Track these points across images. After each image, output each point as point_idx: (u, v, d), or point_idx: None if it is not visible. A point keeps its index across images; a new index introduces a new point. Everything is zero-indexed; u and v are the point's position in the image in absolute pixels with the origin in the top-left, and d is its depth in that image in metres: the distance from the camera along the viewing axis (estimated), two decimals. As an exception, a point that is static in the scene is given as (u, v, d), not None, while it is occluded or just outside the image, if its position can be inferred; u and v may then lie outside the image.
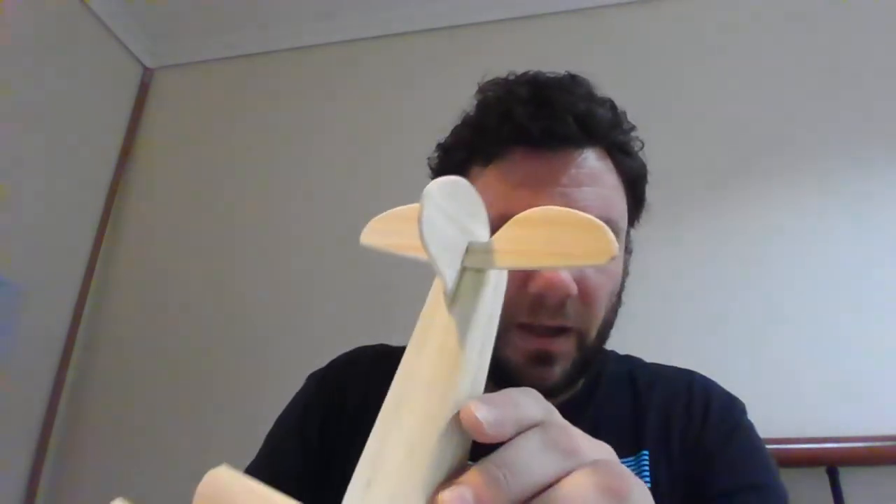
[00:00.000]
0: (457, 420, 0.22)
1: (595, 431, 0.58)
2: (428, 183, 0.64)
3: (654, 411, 0.55)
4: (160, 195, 1.68)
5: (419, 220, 0.22)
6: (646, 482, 0.51)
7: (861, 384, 1.12)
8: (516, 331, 0.51)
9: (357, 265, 1.46)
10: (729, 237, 1.29)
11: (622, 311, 0.57)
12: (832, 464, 1.06)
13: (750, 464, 0.53)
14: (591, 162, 0.52)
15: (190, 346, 1.48)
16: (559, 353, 0.51)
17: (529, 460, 0.21)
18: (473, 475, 0.20)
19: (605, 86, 0.58)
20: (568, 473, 0.22)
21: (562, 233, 0.24)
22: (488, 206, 0.54)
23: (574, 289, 0.49)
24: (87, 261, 1.57)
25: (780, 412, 1.09)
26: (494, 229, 0.55)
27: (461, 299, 0.24)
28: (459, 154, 0.57)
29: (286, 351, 1.40)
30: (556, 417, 0.25)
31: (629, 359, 0.64)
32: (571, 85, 0.55)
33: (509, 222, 0.25)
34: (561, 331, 0.51)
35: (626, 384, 0.58)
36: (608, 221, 0.51)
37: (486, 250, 0.25)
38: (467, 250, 0.25)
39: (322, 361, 0.68)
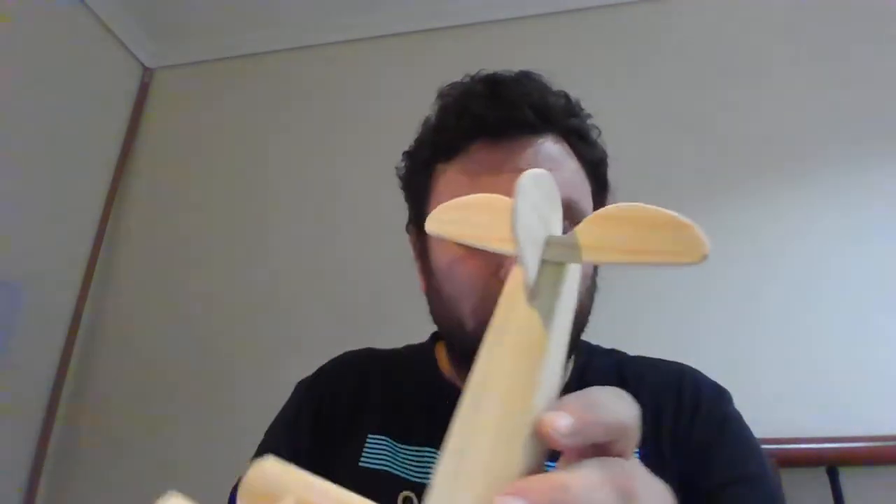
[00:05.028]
0: (528, 427, 0.21)
1: None
2: (399, 191, 0.64)
3: (643, 406, 0.54)
4: (160, 195, 1.68)
5: (513, 212, 0.22)
6: None
7: (861, 384, 1.12)
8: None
9: (360, 265, 1.46)
10: (732, 239, 1.29)
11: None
12: (832, 464, 1.06)
13: (742, 455, 0.53)
14: (550, 147, 0.54)
15: (190, 347, 1.48)
16: None
17: (586, 493, 0.20)
18: (534, 491, 0.19)
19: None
20: None
21: (649, 230, 0.23)
22: (453, 199, 0.54)
23: None
24: (87, 261, 1.57)
25: (780, 412, 1.09)
26: None
27: (541, 293, 0.24)
28: (423, 155, 0.59)
29: (286, 351, 1.40)
30: (635, 424, 0.24)
31: (615, 352, 0.63)
32: (526, 79, 0.57)
33: (589, 218, 0.24)
34: None
35: (613, 378, 0.58)
36: (572, 203, 0.52)
37: (567, 244, 0.24)
38: (546, 243, 0.25)
39: (324, 361, 0.68)
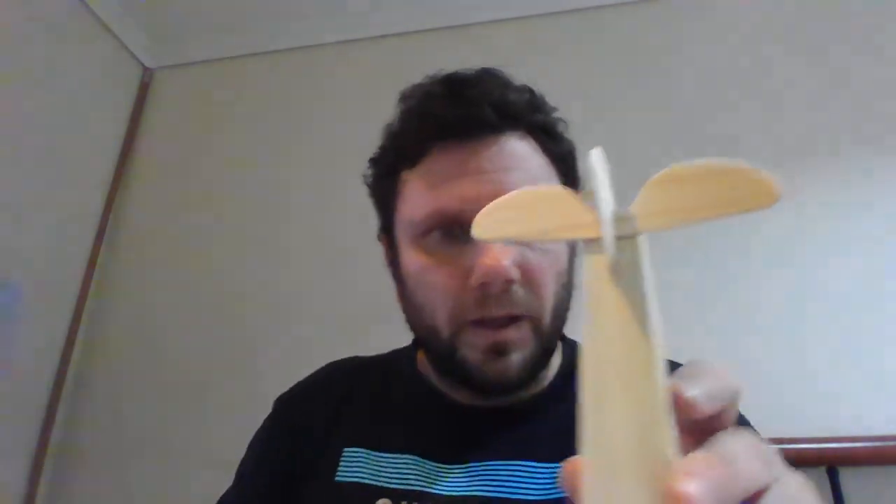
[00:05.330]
0: (667, 401, 0.20)
1: (574, 427, 0.55)
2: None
3: None
4: (160, 195, 1.68)
5: (596, 194, 0.21)
6: None
7: (860, 384, 1.12)
8: (469, 328, 0.50)
9: (360, 265, 1.45)
10: (732, 238, 1.29)
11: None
12: (832, 464, 1.06)
13: None
14: (514, 146, 0.53)
15: (189, 347, 1.48)
16: (514, 342, 0.50)
17: (744, 464, 0.20)
18: (705, 470, 0.19)
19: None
20: (767, 487, 0.21)
21: (713, 183, 0.22)
22: (419, 205, 0.53)
23: (515, 273, 0.49)
24: (87, 261, 1.57)
25: (780, 412, 1.09)
26: (427, 228, 0.53)
27: (626, 269, 0.23)
28: (387, 162, 0.58)
29: (286, 351, 1.40)
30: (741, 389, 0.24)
31: None
32: (486, 77, 0.56)
33: (646, 185, 0.24)
34: (512, 320, 0.50)
35: None
36: None
37: (630, 216, 0.24)
38: (615, 219, 0.24)
39: (323, 363, 0.68)
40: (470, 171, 0.51)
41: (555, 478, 0.50)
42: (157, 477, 1.36)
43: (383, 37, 1.70)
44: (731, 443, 0.21)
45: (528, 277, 0.50)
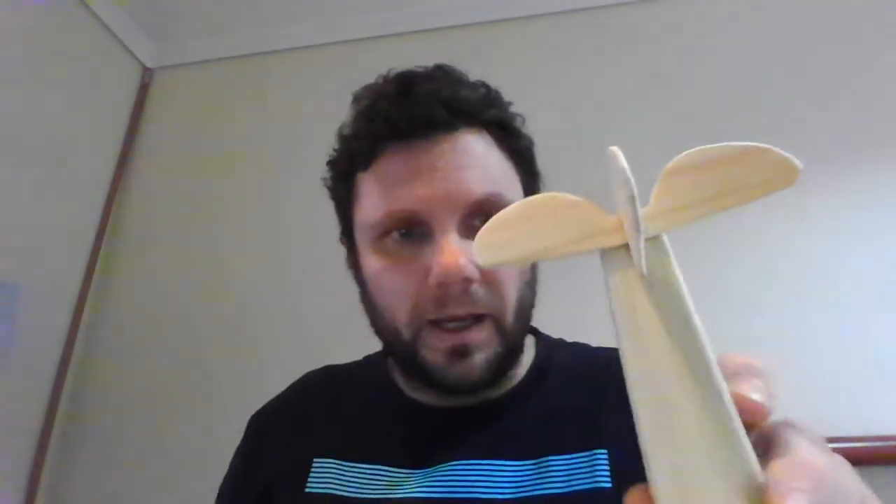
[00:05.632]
0: (735, 408, 0.19)
1: (544, 424, 0.53)
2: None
3: (615, 404, 0.48)
4: (160, 195, 1.68)
5: (623, 196, 0.20)
6: (605, 483, 0.47)
7: (861, 384, 1.12)
8: (429, 329, 0.50)
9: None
10: (732, 238, 1.29)
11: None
12: (833, 464, 1.05)
13: None
14: (468, 143, 0.52)
15: (189, 345, 1.47)
16: (476, 343, 0.49)
17: (817, 461, 0.19)
18: (799, 483, 0.18)
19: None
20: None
21: (727, 169, 0.21)
22: (374, 207, 0.52)
23: (474, 272, 0.48)
24: (87, 261, 1.57)
25: (779, 412, 1.08)
26: (384, 230, 0.51)
27: (656, 275, 0.21)
28: (342, 165, 0.57)
29: (286, 348, 1.40)
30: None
31: (577, 345, 0.61)
32: (438, 74, 0.55)
33: (660, 179, 0.22)
34: (474, 320, 0.49)
35: (580, 373, 0.56)
36: (500, 198, 0.50)
37: (656, 213, 0.22)
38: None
39: (323, 361, 0.68)
40: (423, 171, 0.50)
41: (524, 475, 0.49)
42: (158, 477, 1.36)
43: (383, 37, 1.69)
44: (803, 443, 0.20)
45: (489, 276, 0.49)
